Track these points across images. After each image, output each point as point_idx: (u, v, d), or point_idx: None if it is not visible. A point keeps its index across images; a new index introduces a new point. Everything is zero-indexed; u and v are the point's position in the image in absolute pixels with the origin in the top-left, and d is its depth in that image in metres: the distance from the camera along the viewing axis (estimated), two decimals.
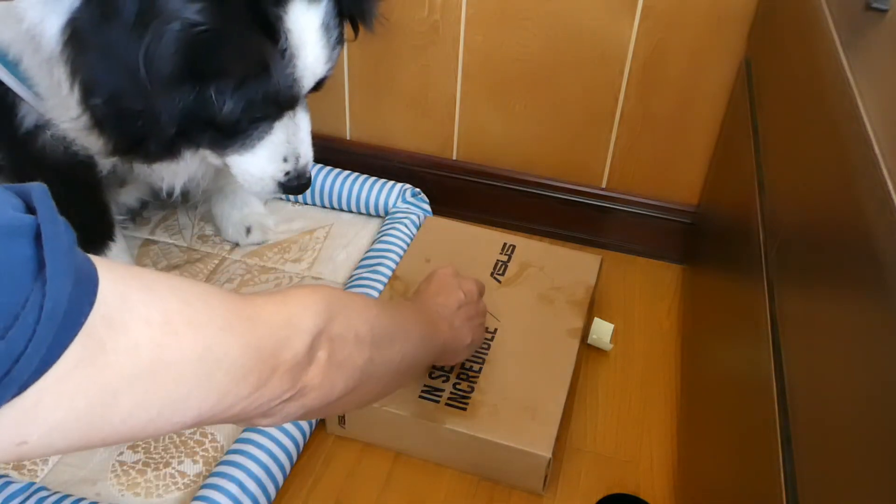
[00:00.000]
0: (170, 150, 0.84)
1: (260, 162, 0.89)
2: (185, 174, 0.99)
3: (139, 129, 0.78)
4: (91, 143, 0.87)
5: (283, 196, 1.31)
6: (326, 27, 0.84)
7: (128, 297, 0.42)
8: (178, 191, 1.02)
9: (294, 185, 0.93)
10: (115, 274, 0.43)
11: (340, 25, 0.89)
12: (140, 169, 0.97)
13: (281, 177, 0.92)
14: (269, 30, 0.78)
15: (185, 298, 0.46)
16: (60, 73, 0.77)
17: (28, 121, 0.92)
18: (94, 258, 0.42)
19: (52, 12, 0.73)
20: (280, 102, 0.85)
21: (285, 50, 0.80)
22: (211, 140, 0.86)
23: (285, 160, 0.90)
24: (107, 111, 0.78)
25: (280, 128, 0.88)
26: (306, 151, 0.92)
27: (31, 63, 0.83)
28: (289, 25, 0.79)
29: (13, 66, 0.85)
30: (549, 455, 0.89)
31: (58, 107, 0.85)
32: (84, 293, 0.40)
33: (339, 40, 0.88)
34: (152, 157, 0.85)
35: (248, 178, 0.91)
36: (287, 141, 0.89)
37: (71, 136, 0.90)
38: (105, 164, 0.97)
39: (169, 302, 0.45)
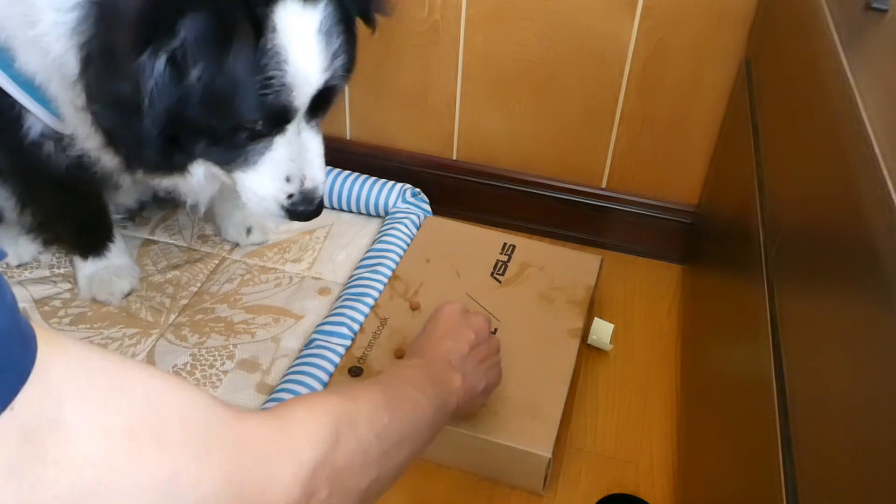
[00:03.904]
0: (167, 158, 0.82)
1: (262, 180, 0.86)
2: (207, 192, 0.97)
3: (133, 130, 0.77)
4: (108, 160, 0.88)
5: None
6: (325, 33, 0.80)
7: (87, 394, 0.35)
8: (202, 208, 1.02)
9: (300, 210, 0.88)
10: (75, 361, 0.35)
11: (346, 33, 0.84)
12: (166, 187, 0.96)
13: (283, 198, 0.88)
14: (255, 26, 0.75)
15: (160, 408, 0.38)
16: (80, 96, 0.79)
17: (34, 131, 0.93)
18: (58, 336, 0.35)
19: (75, 45, 0.76)
20: (272, 109, 0.80)
21: (269, 49, 0.76)
22: (207, 151, 0.84)
23: (288, 180, 0.87)
24: (103, 113, 0.78)
25: (282, 144, 0.85)
26: (313, 174, 0.88)
27: (58, 89, 0.84)
28: (277, 25, 0.76)
29: (37, 91, 0.87)
30: (549, 455, 0.89)
31: (79, 127, 0.87)
32: (24, 352, 0.33)
33: (345, 51, 0.83)
34: (154, 165, 0.84)
35: (252, 198, 0.88)
36: (290, 160, 0.86)
37: (93, 154, 0.91)
38: (124, 180, 0.98)
39: (138, 410, 0.37)
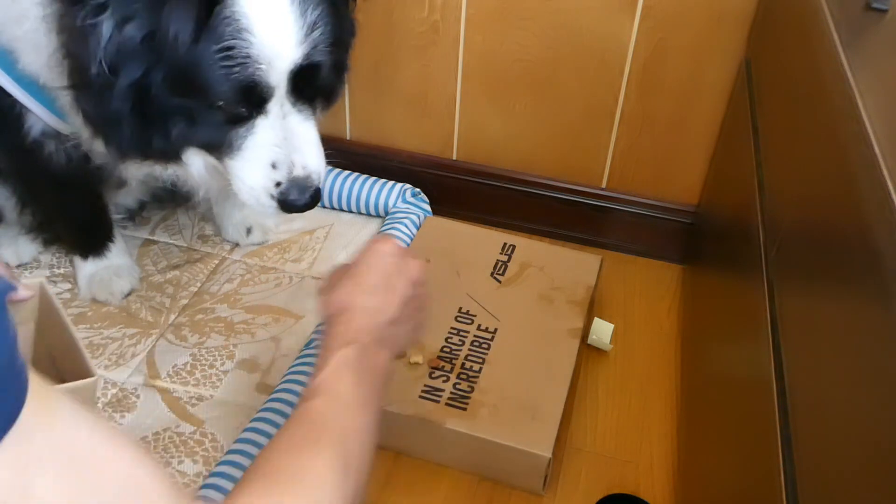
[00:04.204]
0: (147, 141, 0.80)
1: (248, 167, 0.82)
2: (215, 185, 0.95)
3: (107, 108, 0.76)
4: (100, 148, 0.87)
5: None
6: (298, 3, 0.75)
7: (63, 476, 0.35)
8: (213, 202, 1.00)
9: (290, 200, 0.83)
10: (60, 440, 0.35)
11: (328, 5, 0.79)
12: (169, 178, 0.95)
13: (272, 187, 0.83)
14: None
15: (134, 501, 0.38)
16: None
17: (35, 131, 0.93)
18: (50, 404, 0.34)
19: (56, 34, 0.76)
20: (240, 85, 0.76)
21: (227, 17, 0.72)
22: (187, 133, 0.81)
23: (274, 167, 0.82)
24: (80, 94, 0.78)
25: (264, 128, 0.80)
26: (303, 161, 0.83)
27: (57, 86, 0.84)
28: None
29: (41, 91, 0.86)
30: (549, 455, 0.89)
31: (75, 117, 0.86)
32: (11, 403, 0.32)
33: (326, 22, 0.78)
34: (134, 147, 0.82)
35: (241, 186, 0.84)
36: (275, 145, 0.81)
37: (91, 149, 0.90)
38: (127, 176, 0.97)
39: (112, 501, 0.37)
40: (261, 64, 0.75)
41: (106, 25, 0.71)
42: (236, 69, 0.74)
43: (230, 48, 0.73)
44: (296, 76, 0.79)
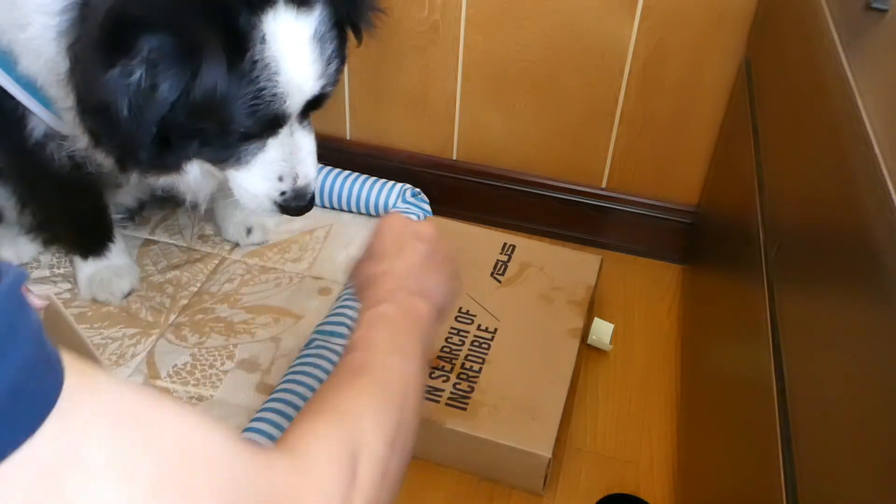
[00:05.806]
0: (161, 159, 0.83)
1: (254, 179, 0.87)
2: (206, 189, 0.97)
3: (122, 134, 0.77)
4: (106, 160, 0.88)
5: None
6: (318, 41, 0.80)
7: (115, 437, 0.34)
8: (202, 206, 1.02)
9: (292, 206, 0.90)
10: (106, 403, 0.35)
11: (339, 39, 0.84)
12: (163, 185, 0.97)
13: (276, 196, 0.89)
14: (238, 38, 0.75)
15: (190, 455, 0.37)
16: (71, 98, 0.79)
17: (37, 132, 0.93)
18: (91, 372, 0.35)
19: (64, 48, 0.77)
20: (264, 118, 0.81)
21: (257, 61, 0.76)
22: (199, 152, 0.84)
23: (280, 179, 0.88)
24: (92, 118, 0.78)
25: (275, 146, 0.85)
26: (305, 172, 0.89)
27: (57, 92, 0.85)
28: (266, 36, 0.76)
29: (39, 92, 0.87)
30: (549, 455, 0.89)
31: (75, 128, 0.87)
32: (50, 383, 0.32)
33: (338, 55, 0.84)
34: (149, 166, 0.84)
35: (244, 194, 0.89)
36: (283, 160, 0.87)
37: (92, 155, 0.91)
38: (126, 179, 0.98)
39: (167, 457, 0.36)
40: (286, 101, 0.80)
41: (133, 78, 0.72)
42: (263, 106, 0.79)
43: (262, 89, 0.77)
44: (309, 102, 0.84)
